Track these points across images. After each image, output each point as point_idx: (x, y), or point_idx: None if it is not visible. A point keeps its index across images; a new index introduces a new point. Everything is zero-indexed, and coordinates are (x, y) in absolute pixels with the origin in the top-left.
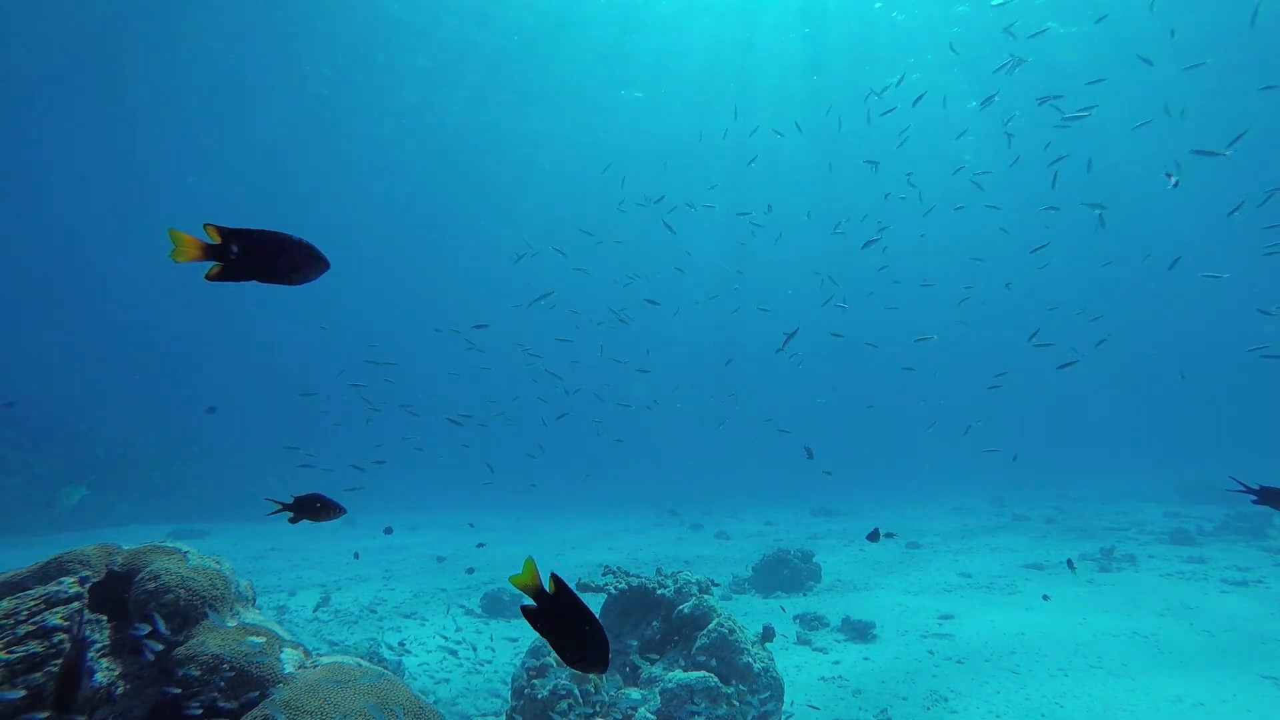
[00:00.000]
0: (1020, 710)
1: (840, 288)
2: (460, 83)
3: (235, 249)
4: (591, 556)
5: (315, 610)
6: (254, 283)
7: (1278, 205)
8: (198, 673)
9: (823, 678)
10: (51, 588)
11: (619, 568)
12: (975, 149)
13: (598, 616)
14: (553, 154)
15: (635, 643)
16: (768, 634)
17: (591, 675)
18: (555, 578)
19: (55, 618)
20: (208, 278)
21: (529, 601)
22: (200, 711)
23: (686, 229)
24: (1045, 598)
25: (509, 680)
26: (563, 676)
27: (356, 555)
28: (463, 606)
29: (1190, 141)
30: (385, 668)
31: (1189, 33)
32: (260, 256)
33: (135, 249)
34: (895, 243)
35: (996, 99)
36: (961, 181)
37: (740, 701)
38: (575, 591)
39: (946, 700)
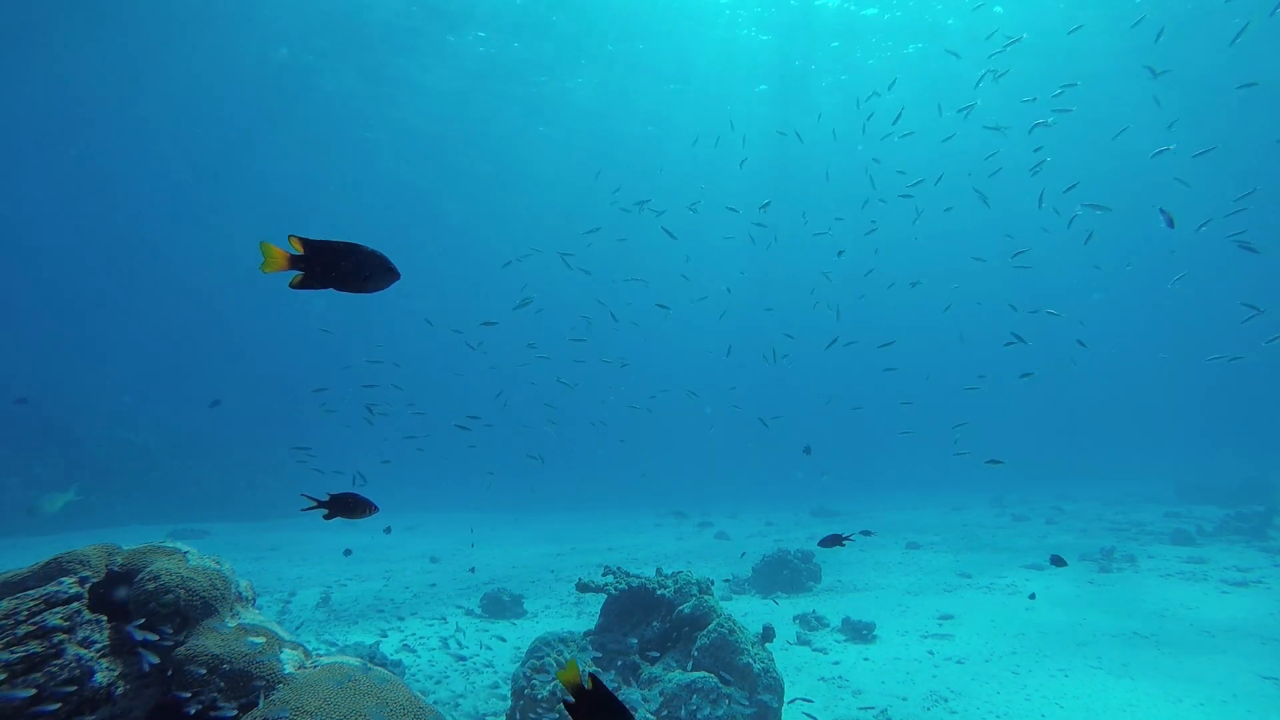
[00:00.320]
0: (1020, 711)
1: (832, 281)
2: (460, 85)
3: (315, 259)
4: (592, 556)
5: (315, 610)
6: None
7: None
8: (198, 673)
9: (822, 678)
10: (51, 588)
11: (619, 568)
12: (967, 150)
13: (598, 616)
14: (553, 156)
15: (635, 643)
16: (768, 634)
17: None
18: (593, 677)
19: (55, 618)
20: (291, 285)
21: (569, 698)
22: (200, 711)
23: (688, 232)
24: (1031, 597)
25: (509, 680)
26: None
27: (347, 552)
28: (462, 607)
29: (1189, 141)
30: (385, 668)
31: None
32: (337, 266)
33: (135, 249)
34: (896, 243)
35: (976, 106)
36: (960, 183)
37: (740, 702)
38: (611, 692)
39: (946, 700)
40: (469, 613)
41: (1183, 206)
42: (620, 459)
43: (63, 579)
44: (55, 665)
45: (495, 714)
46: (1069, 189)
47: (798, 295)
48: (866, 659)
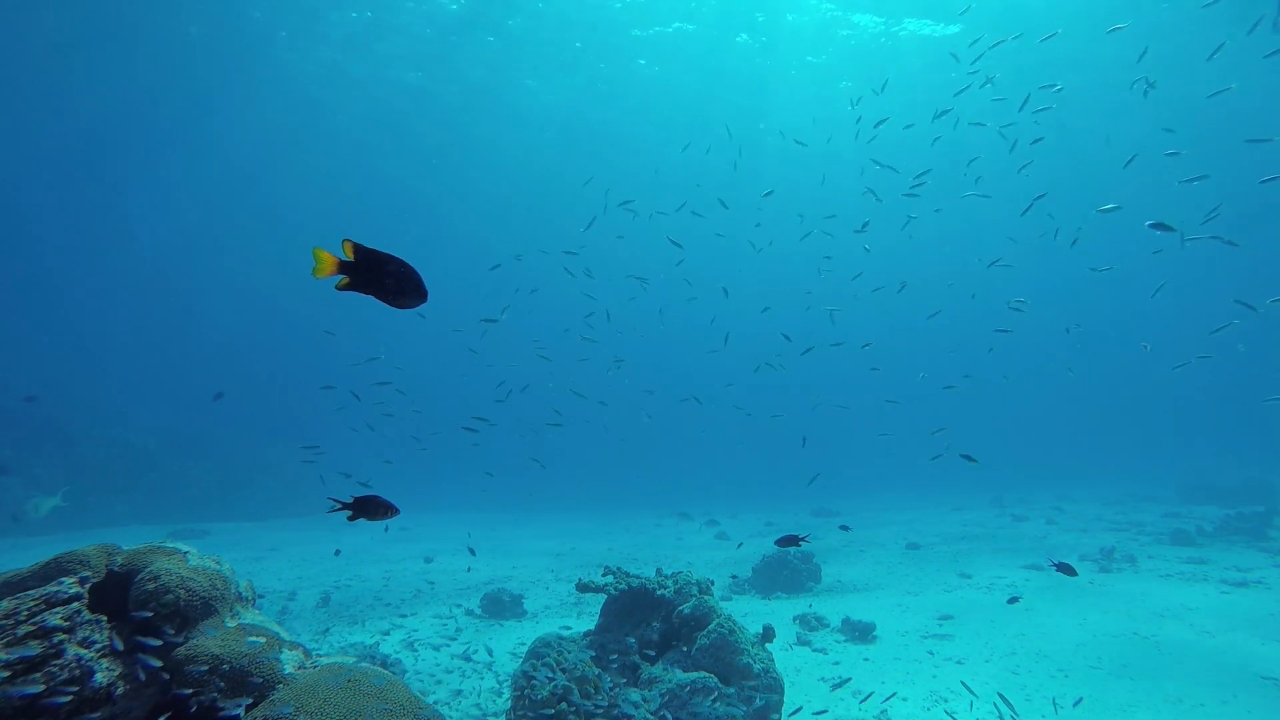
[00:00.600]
0: (1022, 713)
1: (825, 278)
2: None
3: (363, 265)
4: (592, 556)
5: (315, 610)
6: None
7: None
8: (198, 673)
9: (822, 678)
10: (51, 588)
11: (619, 568)
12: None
13: (598, 616)
14: (555, 158)
15: (635, 642)
16: (768, 634)
17: (590, 675)
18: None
19: (55, 618)
20: (338, 288)
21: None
22: (201, 711)
23: (684, 233)
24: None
25: (509, 681)
26: (562, 677)
27: (337, 553)
28: (462, 607)
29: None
30: (385, 668)
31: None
32: (381, 276)
33: (135, 249)
34: (894, 245)
35: (952, 112)
36: (956, 184)
37: (740, 702)
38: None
39: (946, 701)
40: (469, 613)
41: (1181, 207)
42: (621, 460)
43: (63, 579)
44: (55, 665)
45: (495, 714)
46: (1037, 197)
47: (794, 296)
48: (866, 659)
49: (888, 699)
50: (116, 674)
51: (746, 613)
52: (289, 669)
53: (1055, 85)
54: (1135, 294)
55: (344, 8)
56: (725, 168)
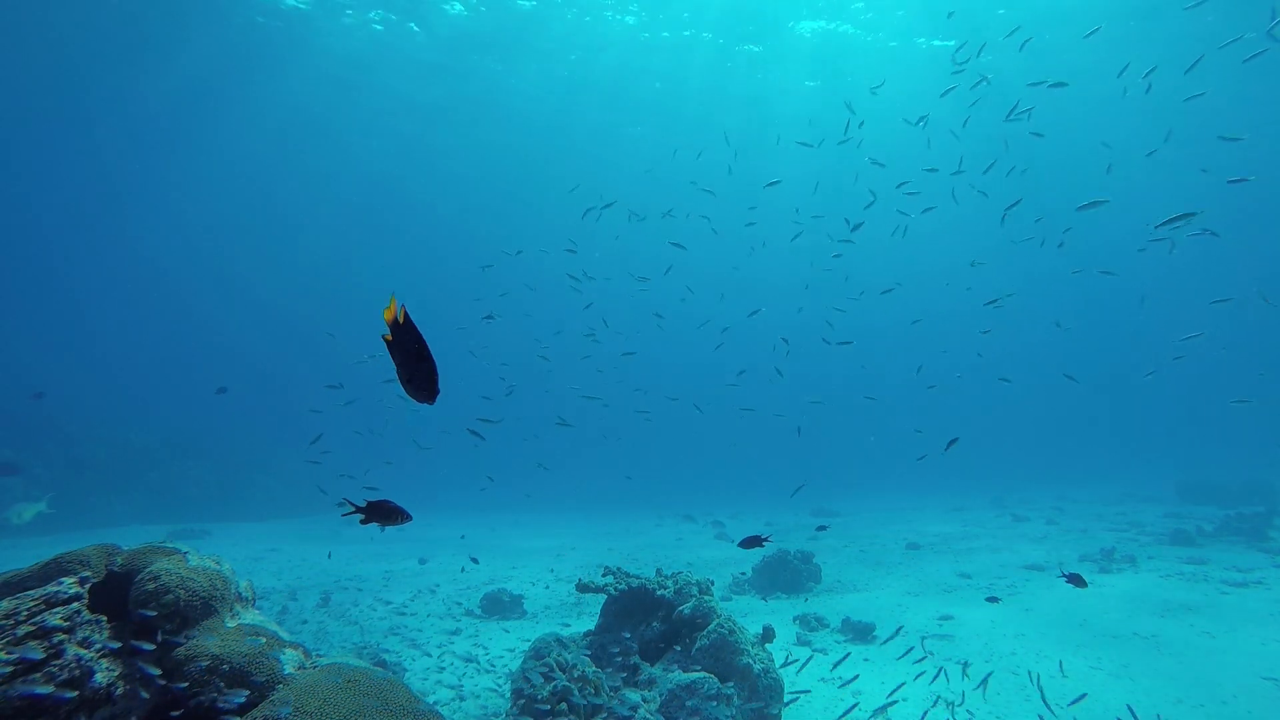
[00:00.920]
0: (1021, 712)
1: (831, 273)
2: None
3: (398, 334)
4: (592, 557)
5: (315, 610)
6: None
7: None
8: (197, 673)
9: (823, 679)
10: (51, 588)
11: (619, 568)
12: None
13: (598, 617)
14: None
15: (635, 643)
16: (768, 635)
17: (590, 676)
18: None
19: (55, 618)
20: (384, 338)
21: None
22: (201, 711)
23: (688, 236)
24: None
25: (508, 681)
26: (562, 678)
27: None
28: (462, 607)
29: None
30: (385, 668)
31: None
32: (405, 352)
33: (135, 249)
34: (891, 245)
35: (927, 118)
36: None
37: (740, 702)
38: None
39: (947, 702)
40: (469, 613)
41: (1180, 206)
42: (620, 461)
43: (63, 579)
44: (55, 665)
45: (495, 714)
46: (1012, 205)
47: (791, 296)
48: (867, 660)
49: (890, 702)
50: (116, 674)
51: (746, 613)
52: (289, 669)
53: (1047, 82)
54: (1134, 294)
55: (347, 12)
56: (730, 170)
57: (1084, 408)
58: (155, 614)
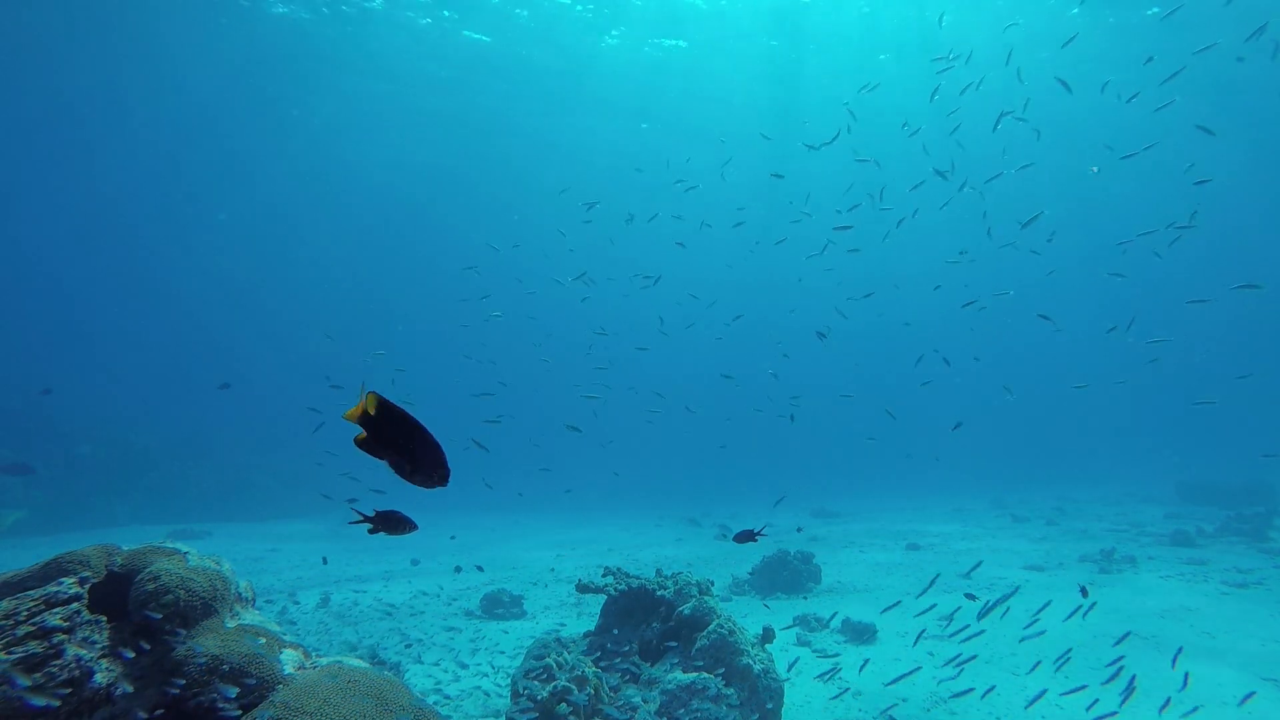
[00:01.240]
0: (1021, 713)
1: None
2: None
3: (381, 423)
4: (592, 558)
5: (315, 611)
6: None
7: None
8: (197, 673)
9: (823, 679)
10: (51, 588)
11: (619, 569)
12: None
13: (598, 617)
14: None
15: (635, 643)
16: (768, 635)
17: (590, 676)
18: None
19: (55, 618)
20: (355, 441)
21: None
22: (200, 712)
23: (671, 232)
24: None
25: (508, 681)
26: (562, 678)
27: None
28: (462, 607)
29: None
30: (385, 668)
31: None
32: (395, 440)
33: (135, 249)
34: (890, 244)
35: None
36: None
37: (740, 703)
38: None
39: (946, 702)
40: (469, 613)
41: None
42: (619, 461)
43: (63, 579)
44: (55, 666)
45: (495, 714)
46: (1032, 219)
47: (789, 296)
48: (867, 660)
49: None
50: (116, 674)
51: (746, 613)
52: (289, 669)
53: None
54: (1135, 295)
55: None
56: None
57: (1083, 408)
58: (160, 616)
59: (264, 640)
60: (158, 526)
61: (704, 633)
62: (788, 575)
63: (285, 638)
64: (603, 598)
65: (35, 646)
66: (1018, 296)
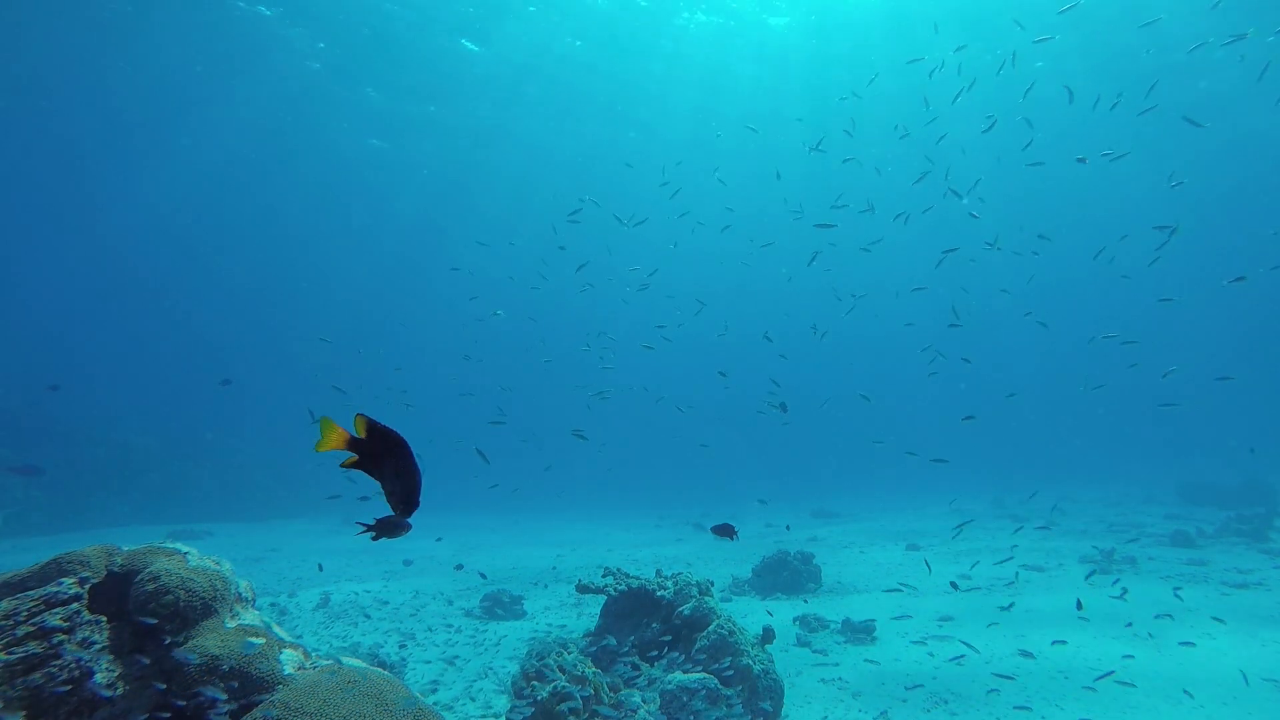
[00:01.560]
0: (1020, 714)
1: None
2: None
3: (373, 441)
4: (591, 558)
5: (315, 611)
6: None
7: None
8: (196, 674)
9: (822, 679)
10: (51, 588)
11: (619, 569)
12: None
13: (598, 617)
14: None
15: (635, 643)
16: (767, 636)
17: (590, 677)
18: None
19: (55, 619)
20: (342, 465)
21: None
22: (200, 712)
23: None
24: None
25: (508, 681)
26: (562, 679)
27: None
28: (463, 608)
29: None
30: (385, 668)
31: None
32: (381, 458)
33: (136, 249)
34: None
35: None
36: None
37: (740, 703)
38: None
39: (946, 703)
40: (469, 614)
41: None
42: (623, 462)
43: (62, 580)
44: (55, 666)
45: (495, 715)
46: (1042, 238)
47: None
48: (867, 660)
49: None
50: (116, 674)
51: (746, 614)
52: (288, 669)
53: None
54: (1132, 296)
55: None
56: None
57: (1084, 409)
58: (155, 621)
59: (264, 640)
60: (158, 526)
61: (704, 633)
62: (788, 575)
63: (285, 638)
64: (603, 598)
65: (35, 647)
66: (1017, 297)
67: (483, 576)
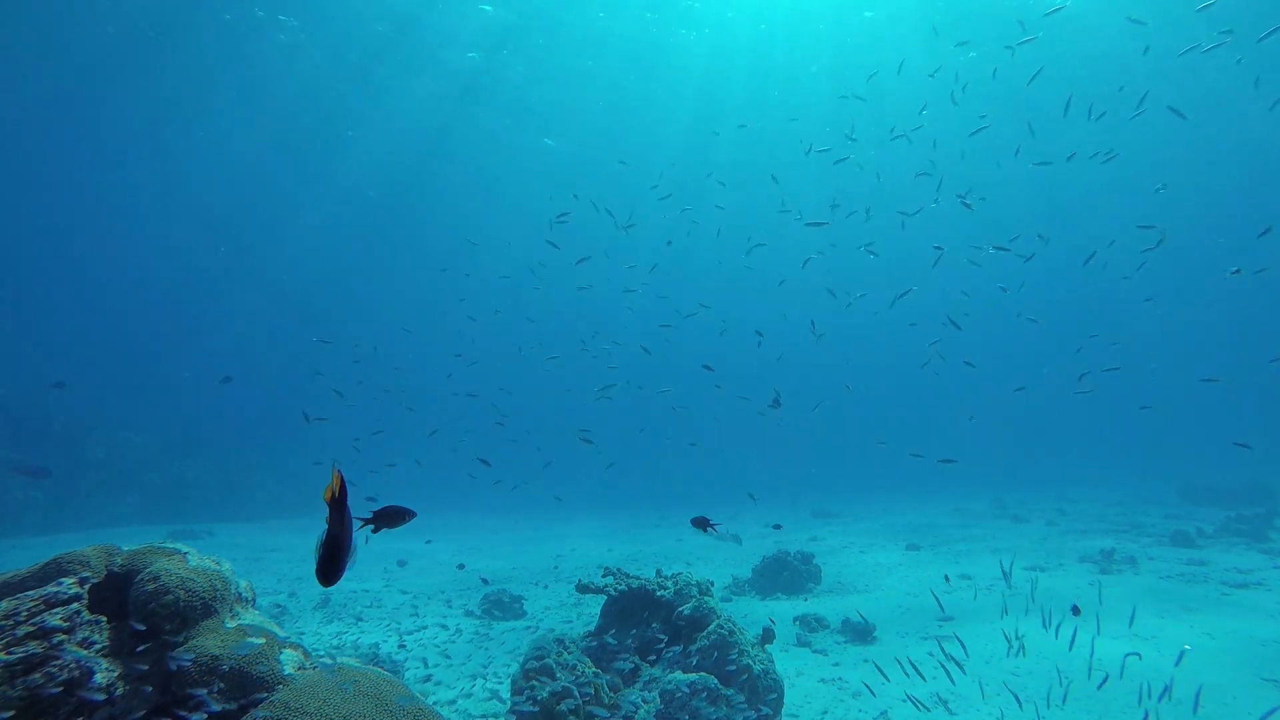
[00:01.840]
0: (1020, 715)
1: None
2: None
3: (334, 501)
4: (592, 557)
5: (315, 610)
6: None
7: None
8: (196, 674)
9: (823, 679)
10: (51, 589)
11: (619, 569)
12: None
13: (598, 617)
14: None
15: (635, 643)
16: (768, 635)
17: (590, 676)
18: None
19: (55, 619)
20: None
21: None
22: (199, 712)
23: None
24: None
25: (508, 681)
26: (562, 678)
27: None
28: (463, 608)
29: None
30: (385, 668)
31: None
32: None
33: (135, 249)
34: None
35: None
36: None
37: (740, 703)
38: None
39: (947, 703)
40: (469, 614)
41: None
42: (622, 463)
43: (62, 580)
44: (55, 666)
45: (494, 715)
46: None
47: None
48: (867, 660)
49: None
50: (116, 674)
51: (746, 614)
52: (288, 669)
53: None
54: (1133, 297)
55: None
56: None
57: (1084, 409)
58: (151, 618)
59: (263, 640)
60: (158, 526)
61: (704, 633)
62: (788, 575)
63: (285, 638)
64: (603, 598)
65: (35, 647)
66: (1015, 298)
67: (485, 581)
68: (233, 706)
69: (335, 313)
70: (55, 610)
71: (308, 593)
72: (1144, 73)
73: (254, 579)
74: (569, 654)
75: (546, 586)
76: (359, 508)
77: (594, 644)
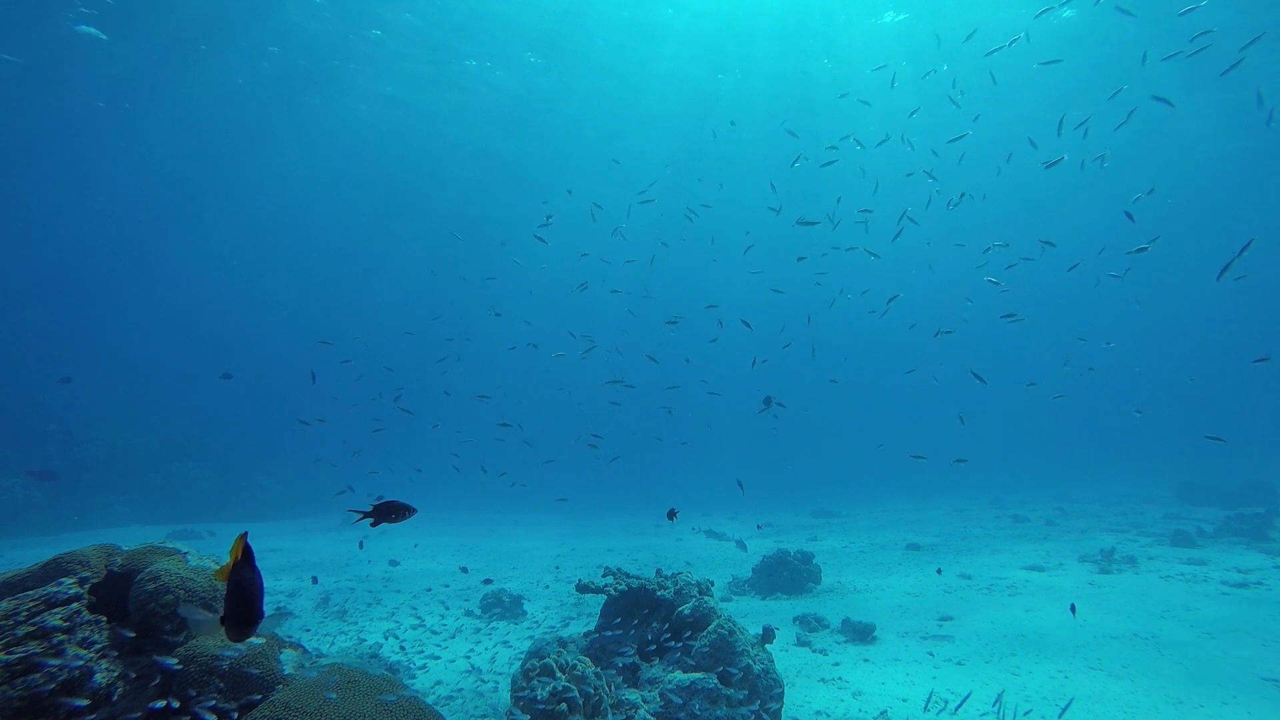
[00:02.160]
0: (1021, 713)
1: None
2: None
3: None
4: (592, 558)
5: (315, 610)
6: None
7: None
8: (196, 674)
9: (823, 679)
10: (51, 588)
11: (619, 569)
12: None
13: (598, 617)
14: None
15: (635, 643)
16: (768, 635)
17: (590, 676)
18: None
19: (55, 618)
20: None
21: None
22: (199, 711)
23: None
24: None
25: (508, 681)
26: (562, 678)
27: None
28: (462, 607)
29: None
30: (384, 668)
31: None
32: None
33: (135, 249)
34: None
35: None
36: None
37: (740, 703)
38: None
39: (947, 703)
40: (469, 613)
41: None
42: (624, 461)
43: (62, 579)
44: (55, 666)
45: (495, 714)
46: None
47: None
48: (866, 660)
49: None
50: (116, 674)
51: (746, 613)
52: (288, 669)
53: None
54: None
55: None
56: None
57: (1084, 409)
58: (151, 618)
59: (263, 640)
60: (158, 526)
61: (704, 633)
62: (788, 575)
63: (284, 638)
64: (603, 598)
65: (35, 646)
66: (1013, 297)
67: (487, 582)
68: (232, 706)
69: (335, 313)
70: (55, 610)
71: (307, 593)
72: (1139, 78)
73: None
74: (569, 654)
75: (547, 586)
76: (363, 508)
77: (594, 644)
